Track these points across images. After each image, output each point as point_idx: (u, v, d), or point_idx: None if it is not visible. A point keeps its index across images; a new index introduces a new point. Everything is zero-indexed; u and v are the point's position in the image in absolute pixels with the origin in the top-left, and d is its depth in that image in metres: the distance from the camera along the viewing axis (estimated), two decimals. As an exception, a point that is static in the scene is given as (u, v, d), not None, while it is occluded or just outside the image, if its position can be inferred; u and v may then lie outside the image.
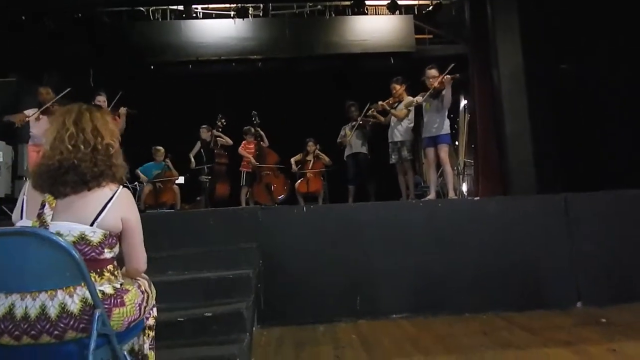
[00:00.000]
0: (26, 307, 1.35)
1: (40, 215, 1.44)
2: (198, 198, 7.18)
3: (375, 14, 8.76)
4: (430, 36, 8.87)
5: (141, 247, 1.66)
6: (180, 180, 7.18)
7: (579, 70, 6.68)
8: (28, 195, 1.51)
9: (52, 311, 1.36)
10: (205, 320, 2.65)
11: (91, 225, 1.47)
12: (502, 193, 6.56)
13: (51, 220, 1.44)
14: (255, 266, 3.45)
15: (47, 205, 1.45)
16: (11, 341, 1.35)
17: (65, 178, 1.47)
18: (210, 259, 3.40)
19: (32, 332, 1.35)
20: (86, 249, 1.46)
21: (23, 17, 7.00)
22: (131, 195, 1.64)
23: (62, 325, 1.36)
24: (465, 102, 9.71)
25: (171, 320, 2.58)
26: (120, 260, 1.63)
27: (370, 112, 5.73)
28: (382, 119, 5.76)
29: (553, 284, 3.83)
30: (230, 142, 6.58)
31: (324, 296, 3.68)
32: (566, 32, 6.63)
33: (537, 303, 3.72)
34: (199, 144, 6.73)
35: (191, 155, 6.70)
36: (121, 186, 1.59)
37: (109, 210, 1.51)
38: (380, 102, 5.44)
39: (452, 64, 4.65)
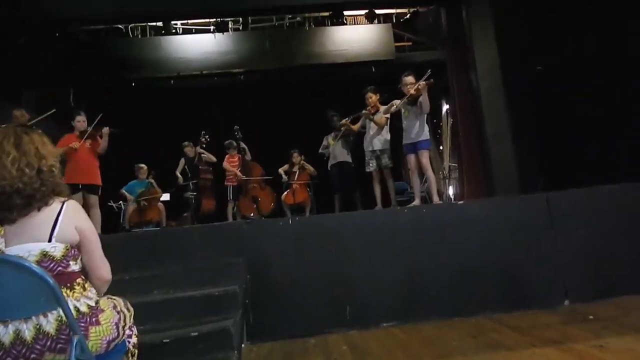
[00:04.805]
0: None
1: None
2: (184, 214, 7.12)
3: (355, 24, 8.87)
4: (410, 43, 9.01)
5: (101, 255, 1.64)
6: (165, 197, 7.12)
7: (554, 69, 6.83)
8: None
9: (27, 334, 1.33)
10: (192, 339, 2.61)
11: (49, 241, 1.45)
12: (487, 195, 6.63)
13: (5, 247, 1.40)
14: (242, 281, 3.42)
15: None
16: (-16, 371, 1.32)
17: (11, 202, 1.43)
18: (196, 276, 3.36)
19: (8, 359, 1.31)
20: (51, 265, 1.43)
21: None
22: (79, 205, 1.62)
23: (38, 347, 1.33)
24: (447, 106, 9.84)
25: (156, 342, 2.54)
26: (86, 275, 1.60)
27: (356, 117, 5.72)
28: (354, 128, 5.80)
29: (540, 283, 3.86)
30: (214, 159, 6.56)
31: (314, 308, 3.64)
32: (540, 33, 6.80)
33: (525, 303, 3.74)
34: (183, 161, 6.69)
35: (177, 173, 6.66)
36: (66, 198, 1.57)
37: (62, 222, 1.49)
38: (364, 111, 5.44)
39: (429, 70, 4.70)
